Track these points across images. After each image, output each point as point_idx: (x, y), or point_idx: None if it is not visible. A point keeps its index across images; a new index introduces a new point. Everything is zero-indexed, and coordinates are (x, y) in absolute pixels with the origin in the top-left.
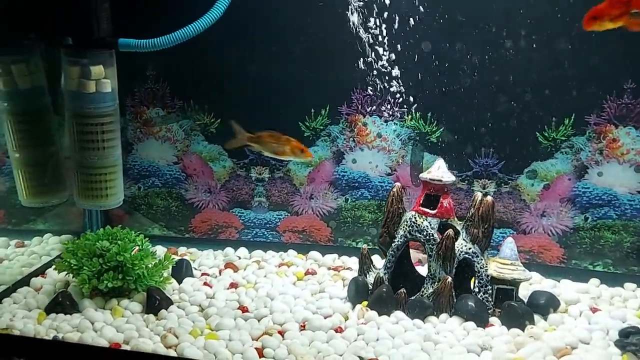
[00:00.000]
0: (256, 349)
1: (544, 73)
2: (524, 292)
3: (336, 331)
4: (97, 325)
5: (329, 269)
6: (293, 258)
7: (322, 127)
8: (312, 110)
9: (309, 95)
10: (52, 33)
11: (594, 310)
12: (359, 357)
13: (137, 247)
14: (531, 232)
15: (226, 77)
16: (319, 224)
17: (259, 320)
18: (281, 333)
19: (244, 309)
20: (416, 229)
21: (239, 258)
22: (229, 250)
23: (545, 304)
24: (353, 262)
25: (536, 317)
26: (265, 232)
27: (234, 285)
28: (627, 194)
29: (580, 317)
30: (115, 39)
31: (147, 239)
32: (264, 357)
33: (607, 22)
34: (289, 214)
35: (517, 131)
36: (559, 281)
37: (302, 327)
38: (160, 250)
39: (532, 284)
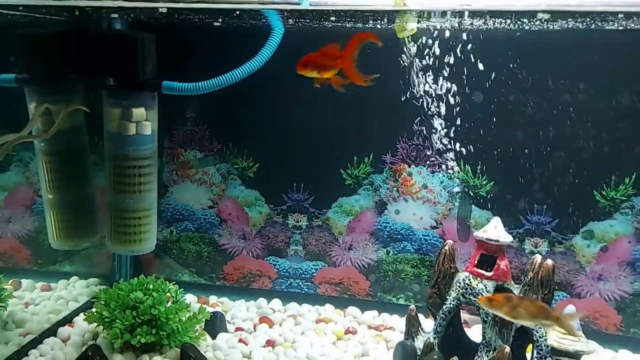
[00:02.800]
0: None
1: (604, 128)
2: None
3: None
4: None
5: (370, 327)
6: (330, 313)
7: (364, 176)
8: (355, 158)
9: (353, 143)
10: (95, 73)
11: None
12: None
13: (170, 297)
14: (586, 297)
15: (268, 122)
16: (358, 276)
17: None
18: None
19: None
20: (470, 291)
21: (273, 311)
22: (262, 301)
23: None
24: (394, 320)
25: None
26: (301, 283)
27: (270, 343)
28: None
29: None
30: (159, 81)
31: (181, 289)
32: None
33: (314, 72)
34: (326, 265)
35: (574, 189)
36: (617, 351)
37: None
38: (190, 297)
39: (591, 356)
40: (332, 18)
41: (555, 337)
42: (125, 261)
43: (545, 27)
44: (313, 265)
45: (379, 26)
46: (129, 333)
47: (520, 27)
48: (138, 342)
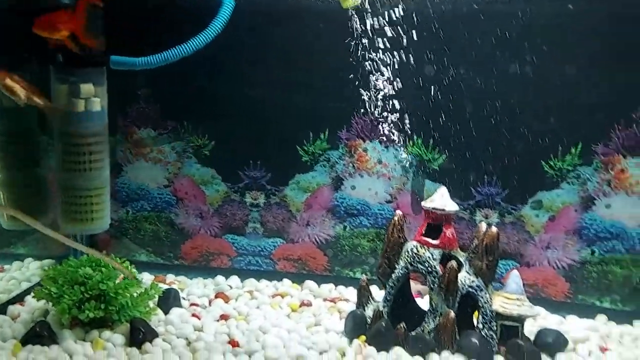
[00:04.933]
0: None
1: (551, 100)
2: (529, 329)
3: None
4: (75, 358)
5: (325, 300)
6: (288, 288)
7: (320, 152)
8: (311, 134)
9: (308, 119)
10: (43, 50)
11: (604, 349)
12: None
13: (122, 275)
14: (535, 265)
15: (222, 99)
16: (316, 252)
17: (250, 356)
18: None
19: (234, 344)
20: (418, 260)
21: (231, 287)
22: (220, 278)
23: (553, 343)
24: (350, 292)
25: (543, 356)
26: (259, 260)
27: (224, 317)
28: (636, 228)
29: (590, 357)
30: (107, 56)
31: (133, 265)
32: None
33: (46, 32)
34: (284, 241)
35: (523, 160)
36: (565, 317)
37: None
38: (147, 277)
39: (536, 320)
40: None
41: (499, 302)
42: (81, 242)
43: None
44: (271, 242)
45: None
46: (77, 308)
47: None
48: (86, 317)
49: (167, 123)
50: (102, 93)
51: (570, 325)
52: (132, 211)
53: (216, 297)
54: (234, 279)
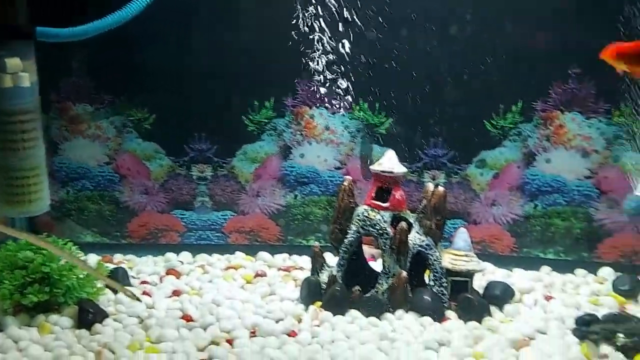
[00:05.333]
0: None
1: (492, 59)
2: (478, 283)
3: (289, 335)
4: (21, 344)
5: (280, 269)
6: (241, 260)
7: (267, 121)
8: (256, 103)
9: (252, 87)
10: None
11: (548, 298)
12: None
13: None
14: (482, 222)
15: (161, 70)
16: (267, 222)
17: (204, 329)
18: (229, 342)
19: (187, 318)
20: (369, 223)
21: (182, 263)
22: (171, 255)
23: (501, 295)
24: (304, 261)
25: (492, 308)
26: (210, 234)
27: (176, 293)
28: (574, 180)
29: (535, 306)
30: (32, 28)
31: (77, 246)
32: None
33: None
34: (234, 214)
35: (466, 120)
36: (511, 270)
37: (252, 334)
38: (93, 258)
39: (484, 274)
40: None
41: (448, 259)
42: (20, 225)
43: None
44: (221, 215)
45: None
46: (19, 293)
47: None
48: (30, 301)
49: (104, 97)
50: (31, 68)
51: (517, 278)
52: (72, 191)
53: (167, 273)
54: (185, 255)
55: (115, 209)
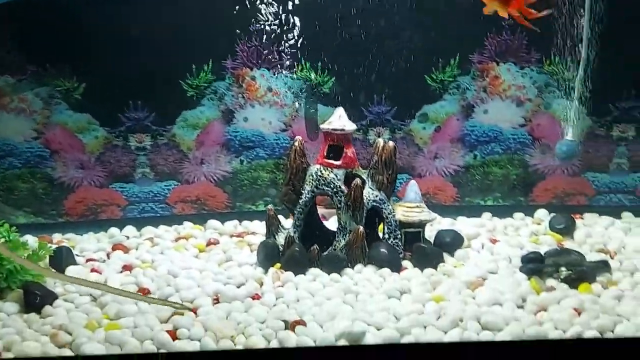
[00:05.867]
0: (167, 331)
1: (429, 14)
2: (428, 234)
3: (253, 298)
4: None
5: (232, 236)
6: (190, 230)
7: (206, 84)
8: (194, 67)
9: (189, 50)
10: None
11: (494, 241)
12: (283, 321)
13: (1, 239)
14: (426, 175)
15: (89, 35)
16: (214, 190)
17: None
18: (193, 310)
19: (144, 292)
20: (323, 182)
21: (128, 238)
22: (114, 230)
23: (451, 242)
24: (256, 226)
25: (444, 255)
26: (154, 206)
27: (127, 268)
28: (510, 129)
29: (483, 249)
30: None
31: (14, 227)
32: (178, 339)
33: None
34: (179, 183)
35: (407, 76)
36: (455, 219)
37: (216, 301)
38: (30, 240)
39: (433, 224)
40: None
41: (401, 211)
42: None
43: None
44: (165, 185)
45: None
46: None
47: None
48: None
49: (26, 67)
50: None
51: (461, 225)
52: None
53: (114, 249)
54: (130, 229)
55: (49, 186)
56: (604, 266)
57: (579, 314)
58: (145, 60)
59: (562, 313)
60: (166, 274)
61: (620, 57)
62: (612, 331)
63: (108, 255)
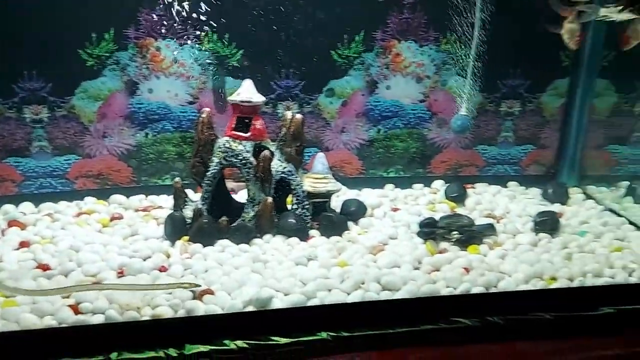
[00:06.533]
0: (69, 306)
1: None
2: (334, 204)
3: (160, 270)
4: None
5: (137, 210)
6: (92, 205)
7: (108, 54)
8: (94, 35)
9: (89, 17)
10: None
11: (395, 210)
12: (191, 291)
13: None
14: (333, 149)
15: None
16: (118, 164)
17: (66, 276)
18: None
19: (44, 267)
20: (231, 154)
21: (24, 214)
22: (9, 207)
23: (355, 211)
24: (163, 200)
25: (349, 223)
26: (53, 181)
27: (24, 244)
28: (410, 104)
29: (385, 217)
30: None
31: None
32: (81, 313)
33: None
34: (79, 157)
35: (314, 51)
36: (360, 190)
37: (120, 274)
38: None
39: (339, 195)
40: None
41: (309, 182)
42: None
43: None
44: (64, 160)
45: None
46: None
47: None
48: None
49: None
50: None
51: (366, 196)
52: None
53: (9, 226)
54: (27, 205)
55: None
56: (490, 229)
57: (468, 272)
58: (42, 28)
59: (453, 272)
60: (68, 249)
61: (508, 38)
62: (496, 286)
63: (3, 232)
